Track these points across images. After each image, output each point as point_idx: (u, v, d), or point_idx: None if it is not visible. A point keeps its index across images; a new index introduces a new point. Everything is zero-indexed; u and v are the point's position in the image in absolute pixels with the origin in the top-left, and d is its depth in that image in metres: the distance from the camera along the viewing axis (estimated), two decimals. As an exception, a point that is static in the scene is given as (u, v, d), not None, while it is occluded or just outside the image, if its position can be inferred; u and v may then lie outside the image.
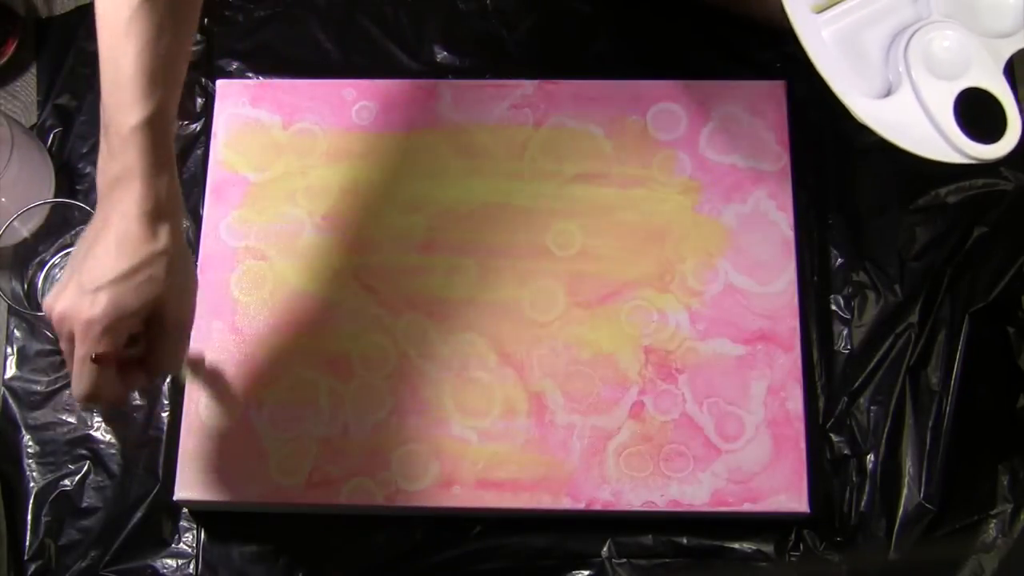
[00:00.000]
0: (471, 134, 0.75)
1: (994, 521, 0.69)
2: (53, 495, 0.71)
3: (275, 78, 0.79)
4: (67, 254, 0.75)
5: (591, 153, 0.75)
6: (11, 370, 0.74)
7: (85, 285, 0.54)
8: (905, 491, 0.69)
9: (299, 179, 0.75)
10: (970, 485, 0.69)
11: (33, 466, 0.72)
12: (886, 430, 0.71)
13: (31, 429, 0.73)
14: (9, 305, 0.73)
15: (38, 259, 0.75)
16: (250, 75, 0.80)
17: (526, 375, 0.70)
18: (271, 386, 0.70)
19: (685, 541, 0.70)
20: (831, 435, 0.71)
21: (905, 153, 0.58)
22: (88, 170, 0.79)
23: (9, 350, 0.75)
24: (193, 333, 0.72)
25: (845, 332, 0.73)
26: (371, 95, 0.76)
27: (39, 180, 0.76)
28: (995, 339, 0.72)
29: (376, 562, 0.70)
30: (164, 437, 0.72)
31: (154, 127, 0.55)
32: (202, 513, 0.71)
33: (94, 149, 0.79)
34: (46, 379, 0.74)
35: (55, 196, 0.77)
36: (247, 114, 0.76)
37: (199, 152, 0.78)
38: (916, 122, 0.58)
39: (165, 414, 0.73)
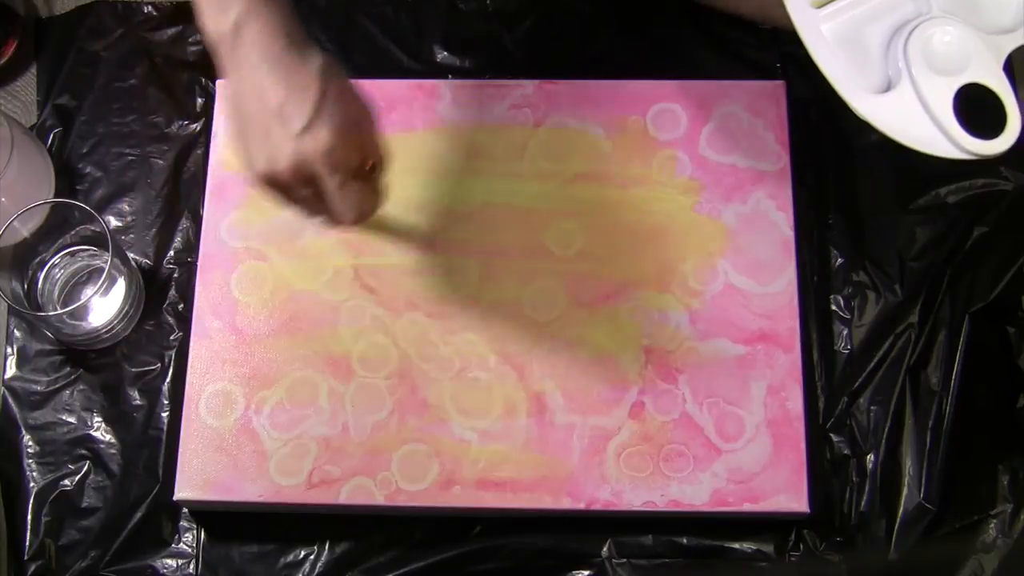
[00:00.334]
0: (471, 134, 0.75)
1: (994, 521, 0.69)
2: (53, 495, 0.71)
3: (275, 78, 0.79)
4: (67, 254, 0.75)
5: (591, 153, 0.75)
6: (11, 370, 0.74)
7: (294, 130, 0.56)
8: (905, 491, 0.69)
9: (299, 179, 0.75)
10: (970, 485, 0.69)
11: (33, 466, 0.72)
12: (886, 430, 0.71)
13: (31, 429, 0.73)
14: (9, 305, 0.73)
15: (38, 259, 0.74)
16: (250, 75, 0.80)
17: (526, 375, 0.70)
18: (271, 386, 0.70)
19: (685, 541, 0.70)
20: (831, 435, 0.71)
21: (904, 149, 0.58)
22: (88, 170, 0.78)
23: (9, 350, 0.75)
24: (193, 333, 0.72)
25: (845, 332, 0.73)
26: (371, 95, 0.76)
27: (39, 180, 0.76)
28: (995, 339, 0.72)
29: (376, 562, 0.70)
30: (164, 437, 0.72)
31: None
32: (202, 513, 0.71)
33: (94, 149, 0.79)
34: (46, 379, 0.74)
35: (55, 196, 0.77)
36: (247, 114, 0.76)
37: (199, 152, 0.78)
38: (915, 118, 0.58)
39: (165, 414, 0.73)
